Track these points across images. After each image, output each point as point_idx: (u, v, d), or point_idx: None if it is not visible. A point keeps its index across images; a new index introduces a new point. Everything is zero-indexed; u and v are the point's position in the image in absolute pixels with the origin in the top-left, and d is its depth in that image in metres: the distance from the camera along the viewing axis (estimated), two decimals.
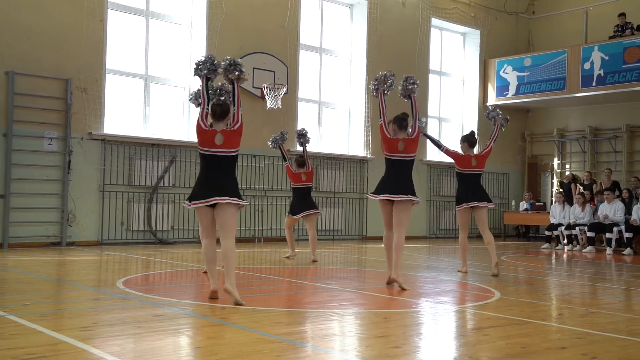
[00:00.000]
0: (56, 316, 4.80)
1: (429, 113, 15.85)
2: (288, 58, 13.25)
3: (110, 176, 11.24)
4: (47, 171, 10.67)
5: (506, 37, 17.25)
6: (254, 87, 12.64)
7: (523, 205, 15.91)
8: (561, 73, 15.21)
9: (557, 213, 13.49)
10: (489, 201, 8.04)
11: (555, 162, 17.05)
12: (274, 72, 12.87)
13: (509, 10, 17.24)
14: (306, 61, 14.01)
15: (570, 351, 3.93)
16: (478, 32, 16.73)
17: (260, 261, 9.11)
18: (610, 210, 12.54)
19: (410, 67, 15.27)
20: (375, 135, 14.15)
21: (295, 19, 13.44)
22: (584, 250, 12.58)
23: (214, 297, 5.44)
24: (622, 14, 14.92)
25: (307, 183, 9.41)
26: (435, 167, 15.77)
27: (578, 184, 14.48)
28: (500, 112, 8.45)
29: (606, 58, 14.42)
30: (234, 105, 5.58)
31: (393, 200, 6.43)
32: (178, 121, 12.49)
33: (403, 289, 6.25)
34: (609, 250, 12.17)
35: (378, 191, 6.53)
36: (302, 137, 9.60)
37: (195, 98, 6.84)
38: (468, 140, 8.14)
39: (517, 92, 16.20)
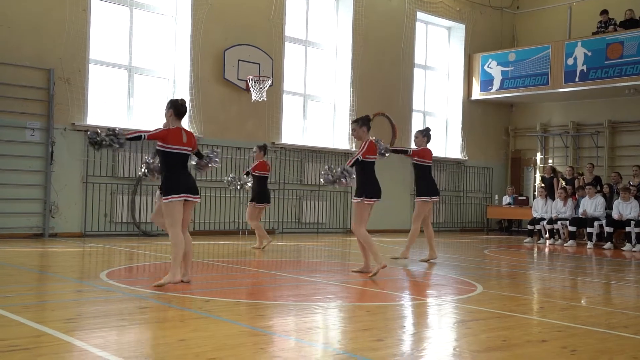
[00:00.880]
0: (39, 308, 4.77)
1: (414, 107, 15.91)
2: (273, 50, 13.21)
3: (94, 167, 11.16)
4: (30, 162, 10.56)
5: (491, 32, 17.34)
6: (238, 79, 12.59)
7: (506, 199, 16.05)
8: (545, 68, 15.33)
9: (540, 207, 13.64)
10: None
11: (538, 156, 17.22)
12: (259, 64, 12.82)
13: (494, 5, 17.32)
14: (291, 54, 13.98)
15: (551, 344, 4.00)
16: (463, 26, 16.79)
17: (245, 254, 9.11)
18: (592, 205, 12.70)
19: (395, 60, 15.32)
20: None
21: (281, 11, 13.39)
22: (565, 244, 12.74)
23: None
24: (605, 11, 15.06)
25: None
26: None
27: (560, 179, 14.64)
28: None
29: (589, 54, 14.57)
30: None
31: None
32: (162, 112, 12.38)
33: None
34: (589, 245, 12.34)
35: (377, 194, 7.02)
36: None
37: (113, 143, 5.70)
38: (428, 135, 8.58)
39: (501, 87, 16.30)
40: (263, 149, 9.72)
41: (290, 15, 13.84)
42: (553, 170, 14.90)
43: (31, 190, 10.59)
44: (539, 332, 4.40)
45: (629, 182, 13.02)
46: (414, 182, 8.81)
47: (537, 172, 17.12)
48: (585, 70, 14.62)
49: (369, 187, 6.97)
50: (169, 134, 5.73)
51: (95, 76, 11.53)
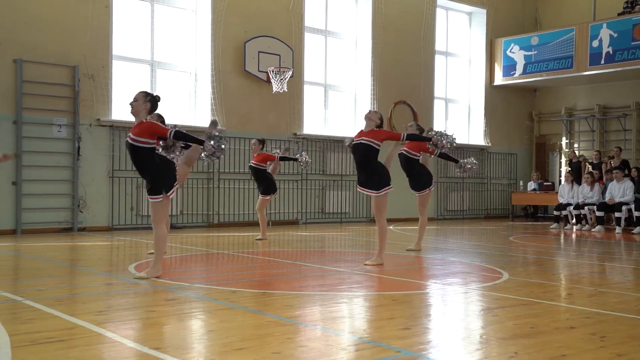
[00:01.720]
0: (71, 301, 4.88)
1: (436, 94, 15.80)
2: (293, 41, 13.20)
3: (119, 162, 11.31)
4: (57, 158, 10.75)
5: (513, 16, 17.10)
6: (259, 71, 12.62)
7: (531, 185, 15.88)
8: (569, 51, 15.09)
9: (566, 193, 13.47)
10: None
11: (564, 141, 16.98)
12: (279, 55, 12.83)
13: None
14: (311, 44, 13.96)
15: (579, 331, 3.97)
16: (484, 11, 16.58)
17: (269, 244, 9.17)
18: (620, 189, 12.50)
19: (415, 47, 15.20)
20: None
21: (300, 2, 13.37)
22: (593, 229, 12.58)
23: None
24: None
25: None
26: None
27: (587, 163, 14.43)
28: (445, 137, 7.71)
29: (615, 35, 14.29)
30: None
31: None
32: (185, 106, 12.51)
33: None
34: (618, 230, 12.16)
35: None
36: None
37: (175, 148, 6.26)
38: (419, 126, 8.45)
39: (524, 72, 16.09)
40: (262, 142, 9.75)
41: (310, 6, 13.81)
42: (583, 157, 14.63)
43: (59, 185, 10.78)
44: (566, 318, 4.37)
45: None
46: (413, 175, 8.29)
47: (563, 157, 16.90)
48: (611, 52, 14.35)
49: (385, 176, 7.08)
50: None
51: (119, 72, 11.66)
